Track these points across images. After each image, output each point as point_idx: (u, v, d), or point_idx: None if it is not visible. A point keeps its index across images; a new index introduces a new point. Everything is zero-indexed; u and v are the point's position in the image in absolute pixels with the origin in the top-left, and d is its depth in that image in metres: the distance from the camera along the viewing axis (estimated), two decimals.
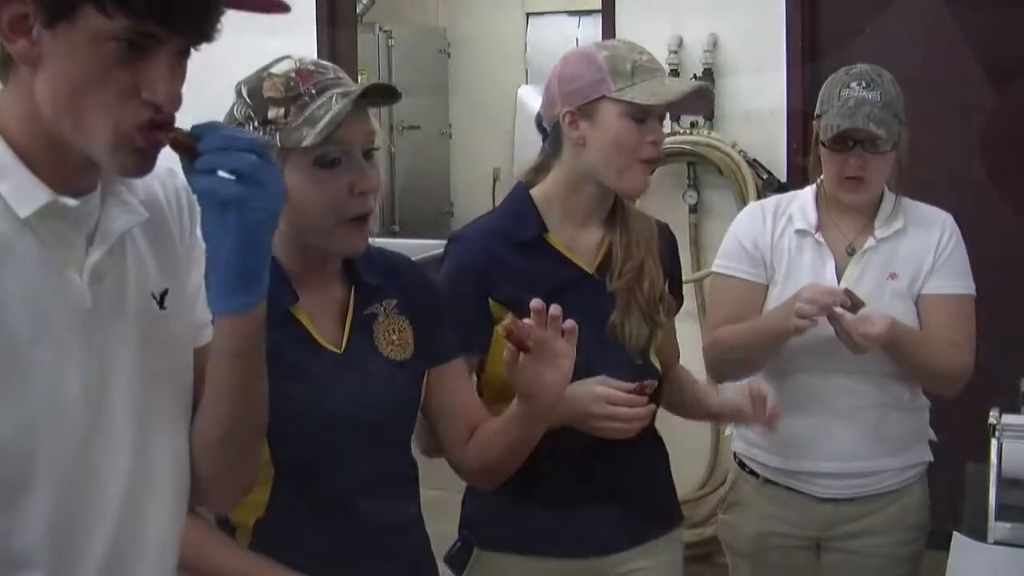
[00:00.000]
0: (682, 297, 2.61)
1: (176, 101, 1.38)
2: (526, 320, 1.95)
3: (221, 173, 1.37)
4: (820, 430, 2.74)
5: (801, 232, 2.76)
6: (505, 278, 2.33)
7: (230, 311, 1.47)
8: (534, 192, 2.43)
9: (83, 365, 1.43)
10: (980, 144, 4.50)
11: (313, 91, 1.88)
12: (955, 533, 2.40)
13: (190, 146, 1.38)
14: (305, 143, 1.84)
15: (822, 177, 2.79)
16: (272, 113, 1.88)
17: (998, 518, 2.38)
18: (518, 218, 2.41)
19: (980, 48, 4.51)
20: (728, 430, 3.02)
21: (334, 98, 1.86)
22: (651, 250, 2.44)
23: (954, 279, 2.75)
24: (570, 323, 1.98)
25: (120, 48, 1.33)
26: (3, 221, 1.37)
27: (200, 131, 1.39)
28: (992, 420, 2.48)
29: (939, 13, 4.56)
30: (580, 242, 2.42)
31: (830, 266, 2.74)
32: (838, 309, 2.55)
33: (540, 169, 2.46)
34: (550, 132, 2.42)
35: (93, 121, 1.35)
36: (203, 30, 1.39)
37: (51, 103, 1.36)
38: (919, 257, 2.74)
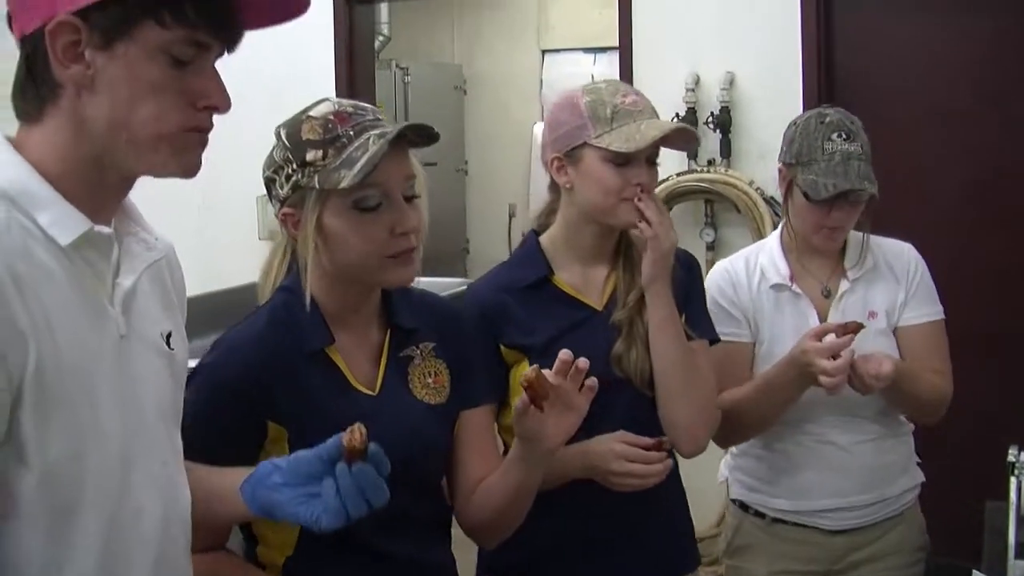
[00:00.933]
0: (708, 327, 2.56)
1: (230, 107, 1.48)
2: (547, 372, 1.93)
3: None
4: (823, 469, 2.75)
5: (777, 286, 2.77)
6: (513, 323, 2.35)
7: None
8: (543, 237, 2.46)
9: (120, 395, 1.46)
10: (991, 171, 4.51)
11: (351, 133, 1.90)
12: (975, 572, 2.38)
13: (361, 450, 1.57)
14: (343, 184, 1.85)
15: (784, 222, 2.82)
16: (311, 155, 1.90)
17: (1018, 556, 2.37)
18: (524, 264, 2.44)
19: (997, 56, 4.54)
20: (721, 476, 3.00)
21: (371, 139, 1.88)
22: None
23: (925, 307, 2.79)
24: (591, 381, 1.97)
25: (176, 58, 1.41)
26: (44, 252, 1.39)
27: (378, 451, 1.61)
28: (1011, 458, 2.48)
29: (954, 46, 4.57)
30: (589, 280, 2.43)
31: (812, 316, 2.74)
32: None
33: (549, 212, 2.48)
34: (550, 178, 2.44)
35: (153, 130, 1.41)
36: (238, 36, 1.48)
37: (107, 122, 1.40)
38: (892, 292, 2.78)
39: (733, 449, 2.90)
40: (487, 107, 10.10)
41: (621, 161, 2.30)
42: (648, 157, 2.34)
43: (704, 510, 4.50)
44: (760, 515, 2.84)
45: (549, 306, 2.38)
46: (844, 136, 2.65)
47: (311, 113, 1.95)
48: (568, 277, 2.41)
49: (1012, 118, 4.52)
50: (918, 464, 2.92)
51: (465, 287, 2.42)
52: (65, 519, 1.39)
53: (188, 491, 1.61)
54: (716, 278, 2.85)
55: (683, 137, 2.44)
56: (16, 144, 1.44)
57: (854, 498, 2.76)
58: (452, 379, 2.08)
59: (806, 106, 4.61)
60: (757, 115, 4.74)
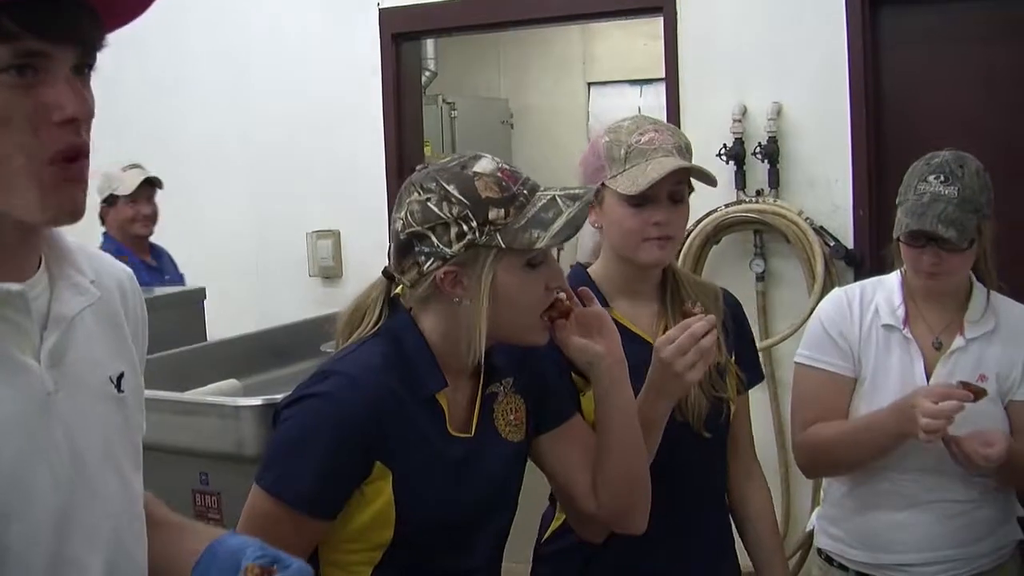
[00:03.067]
0: (758, 370, 2.58)
1: (89, 113, 1.32)
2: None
3: None
4: (906, 523, 2.69)
5: (888, 327, 2.71)
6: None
7: None
8: (590, 271, 2.46)
9: (50, 453, 1.38)
10: None
11: (525, 192, 1.91)
12: None
13: None
14: (539, 245, 1.86)
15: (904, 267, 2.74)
16: (493, 214, 1.87)
17: None
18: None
19: None
20: (811, 524, 2.97)
21: (558, 200, 1.90)
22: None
23: None
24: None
25: (11, 77, 1.26)
26: None
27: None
28: None
29: (1005, 76, 4.54)
30: (639, 315, 2.42)
31: (919, 366, 2.67)
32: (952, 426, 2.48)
33: (597, 249, 2.49)
34: None
35: (9, 166, 1.28)
36: (86, 36, 1.31)
37: None
38: (1010, 361, 2.67)
39: (823, 497, 2.86)
40: (534, 141, 10.13)
41: (635, 203, 2.30)
42: (671, 195, 2.32)
43: None
44: (843, 568, 2.80)
45: None
46: (942, 179, 2.59)
47: (477, 169, 1.92)
48: (619, 311, 2.40)
49: None
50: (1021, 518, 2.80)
51: None
52: None
53: (144, 543, 1.55)
54: (829, 306, 2.81)
55: (697, 172, 2.40)
56: None
57: (937, 554, 2.68)
58: (527, 412, 2.11)
59: (854, 135, 4.60)
60: (805, 145, 4.72)
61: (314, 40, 5.69)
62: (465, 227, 1.87)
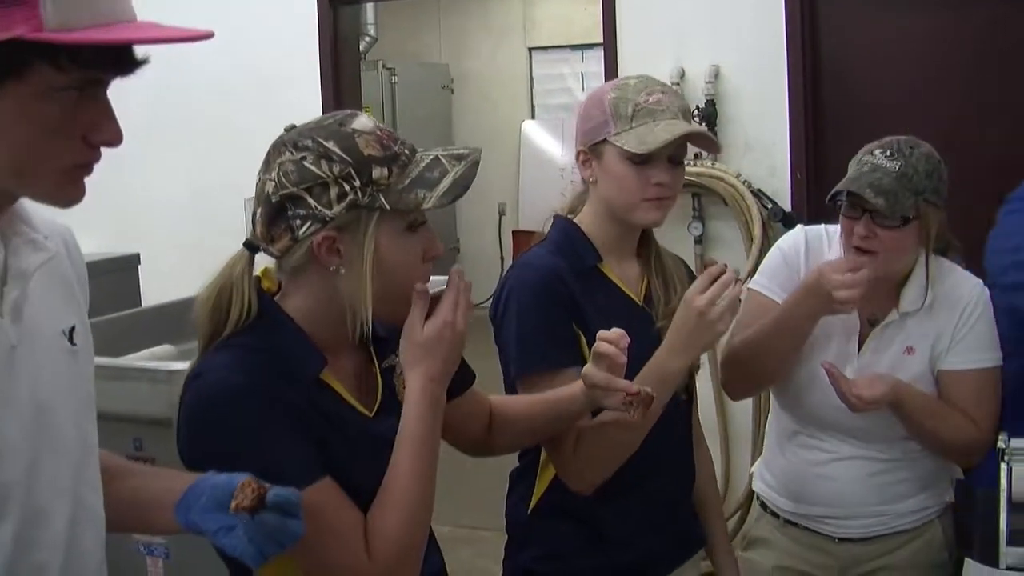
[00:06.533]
0: None
1: (121, 137, 1.39)
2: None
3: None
4: (828, 476, 2.72)
5: None
6: (577, 305, 2.31)
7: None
8: (581, 225, 2.42)
9: (18, 404, 1.42)
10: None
11: (406, 151, 1.80)
12: (967, 559, 2.39)
13: (254, 506, 1.51)
14: (426, 205, 1.75)
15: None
16: (376, 173, 1.74)
17: (1009, 543, 2.37)
18: (574, 248, 2.38)
19: (982, 51, 4.53)
20: (753, 468, 3.01)
21: (442, 159, 1.80)
22: (684, 289, 2.40)
23: (974, 353, 2.65)
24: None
25: (70, 97, 1.33)
26: None
27: (279, 497, 1.52)
28: (1001, 444, 2.46)
29: (939, 38, 4.58)
30: (625, 274, 2.42)
31: (854, 338, 2.68)
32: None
33: (579, 202, 2.46)
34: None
35: (40, 170, 1.36)
36: (135, 65, 1.37)
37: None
38: (938, 333, 2.66)
39: (765, 447, 2.88)
40: (475, 106, 10.12)
41: (639, 160, 2.28)
42: (671, 157, 2.32)
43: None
44: (775, 514, 2.83)
45: (602, 293, 2.36)
46: (888, 154, 2.55)
47: (356, 127, 1.78)
48: (610, 268, 2.40)
49: (994, 108, 4.52)
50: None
51: None
52: None
53: (100, 491, 1.58)
54: (795, 240, 2.76)
55: (702, 138, 2.42)
56: None
57: (851, 509, 2.71)
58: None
59: (792, 98, 4.63)
60: (743, 108, 4.74)
61: (251, 5, 5.63)
62: (347, 187, 1.73)
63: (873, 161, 2.56)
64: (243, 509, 1.51)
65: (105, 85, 1.37)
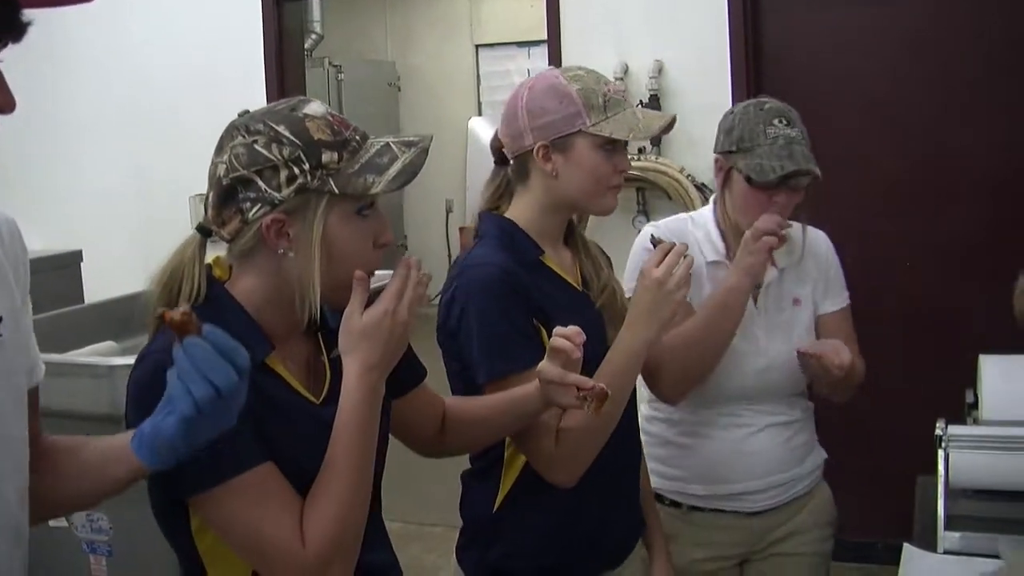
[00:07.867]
0: None
1: (13, 103, 1.34)
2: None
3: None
4: (739, 452, 2.76)
5: (715, 264, 2.76)
6: (534, 299, 2.30)
7: (150, 465, 1.54)
8: (515, 220, 2.41)
9: None
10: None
11: (357, 137, 1.81)
12: (906, 544, 2.41)
13: (183, 323, 1.45)
14: (375, 190, 1.75)
15: (718, 208, 2.79)
16: (326, 157, 1.75)
17: (947, 528, 2.40)
18: (515, 243, 2.38)
19: (919, 41, 4.63)
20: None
21: (392, 146, 1.81)
22: (607, 266, 2.49)
23: (841, 293, 2.85)
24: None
25: None
26: None
27: (215, 334, 1.47)
28: (938, 431, 2.50)
29: (881, 33, 4.65)
30: (562, 262, 2.43)
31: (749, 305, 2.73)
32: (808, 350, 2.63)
33: (501, 195, 2.46)
34: (514, 161, 2.41)
35: None
36: (20, 28, 1.32)
37: None
38: (813, 280, 2.82)
39: (646, 439, 2.87)
40: (422, 103, 10.10)
41: (610, 148, 2.31)
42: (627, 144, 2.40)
43: None
44: (676, 505, 2.85)
45: (548, 284, 2.36)
46: (785, 122, 2.64)
47: (308, 112, 1.79)
48: (551, 257, 2.41)
49: (937, 102, 4.60)
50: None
51: None
52: None
53: (22, 494, 1.57)
54: (644, 236, 2.72)
55: (670, 126, 2.45)
56: None
57: (768, 479, 2.77)
58: None
59: (735, 93, 4.66)
60: (686, 103, 4.77)
61: (196, 1, 5.62)
62: (296, 170, 1.74)
63: (782, 133, 2.64)
64: (173, 324, 1.46)
65: None
